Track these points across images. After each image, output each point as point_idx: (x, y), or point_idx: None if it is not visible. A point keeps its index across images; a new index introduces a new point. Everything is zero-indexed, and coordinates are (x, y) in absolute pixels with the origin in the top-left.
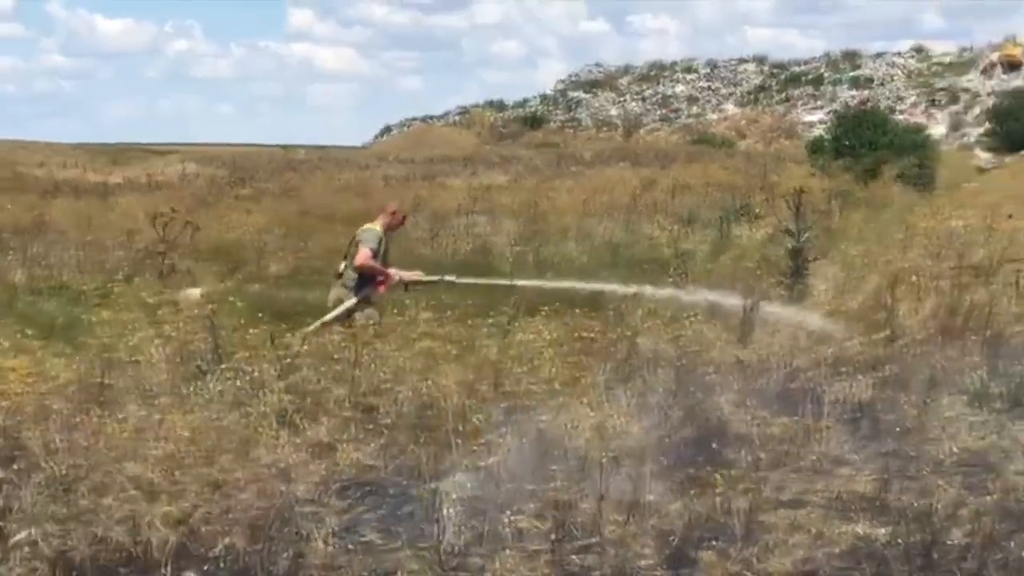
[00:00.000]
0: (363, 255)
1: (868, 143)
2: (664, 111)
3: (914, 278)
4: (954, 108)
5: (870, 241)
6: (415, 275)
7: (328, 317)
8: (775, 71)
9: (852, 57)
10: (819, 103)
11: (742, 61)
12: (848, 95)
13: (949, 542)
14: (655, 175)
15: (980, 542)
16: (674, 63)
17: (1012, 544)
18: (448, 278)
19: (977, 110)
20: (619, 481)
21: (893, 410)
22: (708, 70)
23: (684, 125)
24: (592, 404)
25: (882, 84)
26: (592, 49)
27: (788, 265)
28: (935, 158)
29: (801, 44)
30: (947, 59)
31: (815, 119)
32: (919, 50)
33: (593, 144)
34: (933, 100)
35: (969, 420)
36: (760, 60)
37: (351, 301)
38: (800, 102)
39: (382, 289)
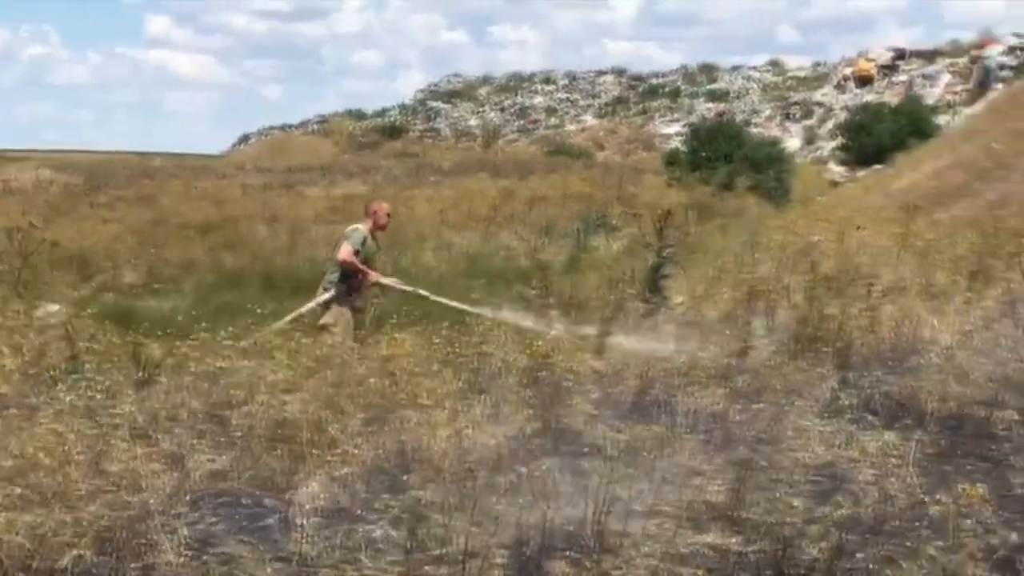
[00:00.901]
0: (345, 251)
1: (724, 155)
2: (523, 122)
3: (768, 290)
4: (808, 122)
5: (725, 254)
6: (392, 281)
7: (303, 309)
8: (633, 83)
9: (709, 70)
10: (676, 115)
11: (601, 73)
12: (705, 108)
13: (800, 553)
14: (514, 186)
15: (830, 554)
16: (533, 74)
17: (861, 556)
18: (422, 292)
19: (831, 124)
20: (473, 491)
21: (745, 421)
22: (567, 82)
23: (543, 136)
24: (448, 414)
25: (738, 97)
26: (452, 59)
27: (648, 278)
28: (790, 171)
29: (659, 57)
30: (802, 73)
31: (672, 131)
32: (775, 64)
33: (452, 154)
34: (788, 114)
35: (820, 431)
36: (619, 72)
37: (325, 296)
38: (658, 114)
39: (365, 285)
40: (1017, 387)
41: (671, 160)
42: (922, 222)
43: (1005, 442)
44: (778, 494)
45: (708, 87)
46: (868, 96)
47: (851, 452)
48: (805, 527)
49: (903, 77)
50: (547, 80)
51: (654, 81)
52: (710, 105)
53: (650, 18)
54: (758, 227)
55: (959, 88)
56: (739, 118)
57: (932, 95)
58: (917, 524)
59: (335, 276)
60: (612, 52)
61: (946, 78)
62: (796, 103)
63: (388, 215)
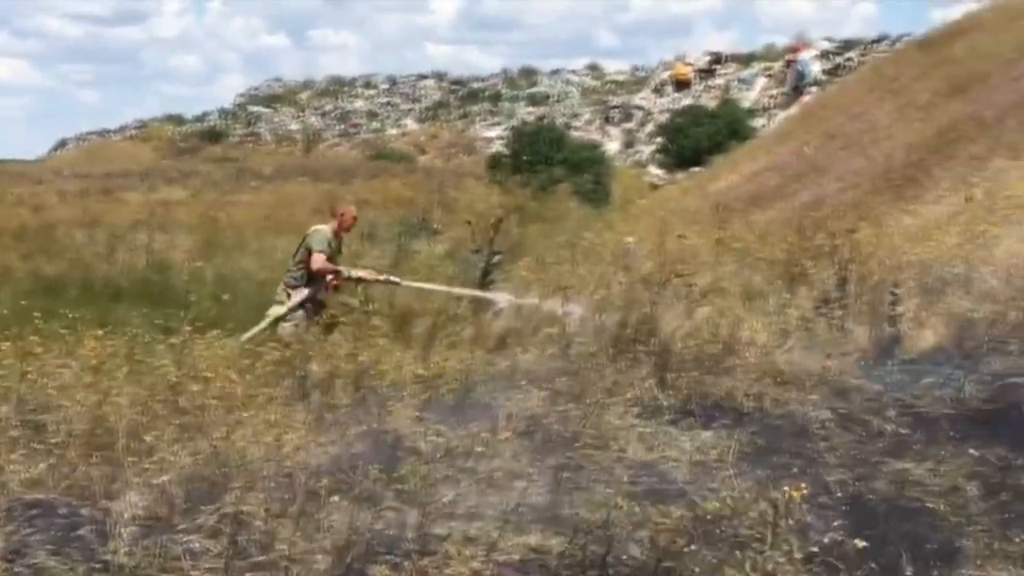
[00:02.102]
0: (318, 260)
1: (545, 159)
2: (344, 126)
3: (588, 293)
4: (628, 125)
5: (546, 257)
6: (365, 273)
7: (282, 310)
8: (454, 87)
9: (529, 74)
10: (497, 119)
11: (422, 77)
12: (526, 112)
13: (621, 554)
14: (335, 190)
15: (652, 554)
16: (354, 78)
17: (682, 555)
18: (393, 279)
19: (650, 127)
20: (294, 496)
21: (566, 422)
22: (388, 86)
23: (364, 140)
24: (269, 420)
25: (558, 101)
26: (272, 63)
27: (474, 282)
28: (609, 174)
29: (480, 61)
30: (621, 77)
31: (494, 135)
32: (594, 68)
33: (273, 159)
34: (608, 117)
35: (639, 431)
36: (439, 76)
37: (295, 299)
38: (479, 118)
39: (333, 286)
40: (831, 386)
41: (493, 164)
42: (739, 224)
43: (820, 440)
44: (599, 495)
45: (528, 91)
46: (686, 100)
47: (671, 452)
48: (626, 528)
49: (720, 81)
50: (368, 84)
51: (475, 85)
52: (531, 109)
53: (470, 21)
54: (578, 230)
55: (774, 91)
56: (559, 122)
57: (748, 98)
58: (735, 524)
59: (298, 276)
60: (433, 56)
61: (762, 82)
62: (616, 107)
63: (354, 218)
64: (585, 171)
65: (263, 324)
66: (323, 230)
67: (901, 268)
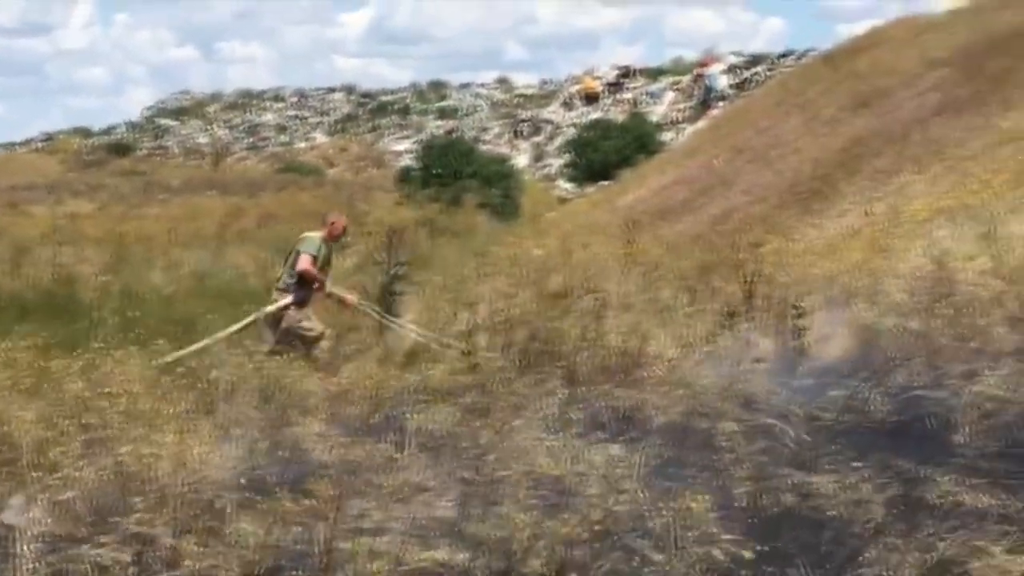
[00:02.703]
0: (304, 261)
1: (454, 173)
2: (253, 139)
3: (498, 307)
4: (537, 139)
5: (455, 271)
6: (350, 298)
7: (230, 329)
8: (364, 101)
9: (439, 87)
10: (407, 133)
11: (331, 90)
12: (435, 125)
13: (525, 569)
14: (243, 203)
15: (555, 569)
16: (263, 91)
17: (586, 569)
18: (364, 306)
19: (559, 141)
20: (200, 511)
21: (474, 437)
22: (297, 99)
23: (273, 153)
24: (175, 435)
25: (468, 115)
26: (180, 76)
27: (379, 296)
28: (519, 188)
29: (389, 74)
30: (530, 91)
31: (403, 148)
32: (503, 82)
33: (181, 172)
34: (517, 131)
35: (548, 445)
36: (349, 89)
37: (282, 302)
38: (388, 131)
39: (319, 294)
40: (737, 398)
41: (402, 177)
42: (647, 237)
43: (727, 452)
44: (506, 509)
45: (438, 104)
46: (595, 113)
47: (578, 466)
48: (531, 542)
49: (628, 95)
50: (276, 97)
51: (384, 98)
52: (440, 122)
53: (380, 35)
54: (488, 243)
55: (683, 105)
56: (469, 135)
57: (657, 112)
58: (641, 536)
59: (291, 280)
60: (343, 69)
61: (670, 96)
62: (525, 120)
63: (345, 228)
64: (494, 185)
65: (246, 321)
66: (313, 236)
67: (807, 281)
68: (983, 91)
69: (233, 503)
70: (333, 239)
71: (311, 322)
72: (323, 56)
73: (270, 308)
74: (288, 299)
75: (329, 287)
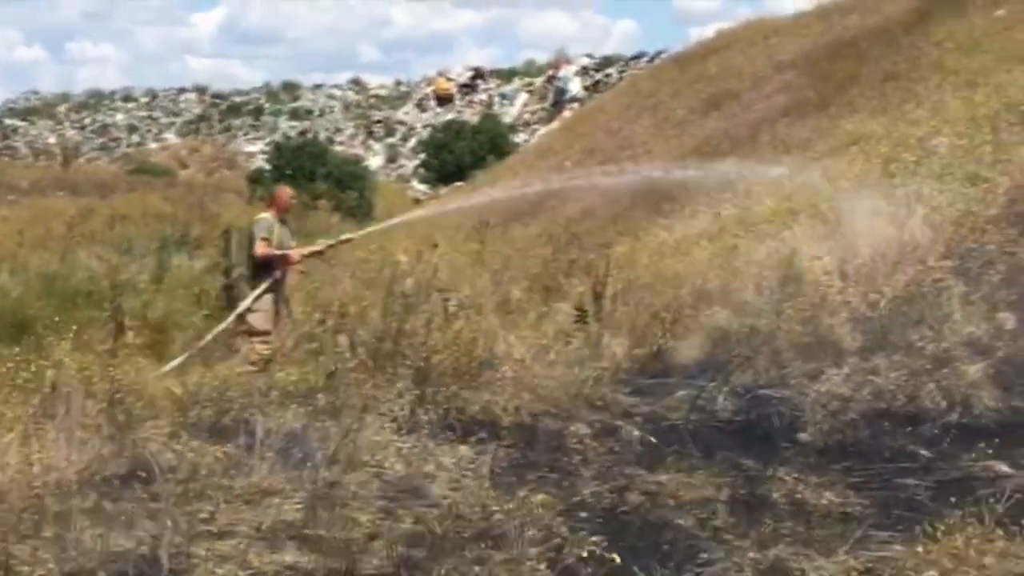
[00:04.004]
0: (259, 247)
1: (308, 173)
2: (104, 140)
3: (351, 309)
4: (391, 140)
5: (308, 271)
6: (317, 247)
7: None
8: (216, 101)
9: (292, 88)
10: (260, 133)
11: (182, 91)
12: (288, 126)
13: (366, 569)
14: (94, 205)
15: (395, 569)
16: (114, 92)
17: (428, 568)
18: (345, 237)
19: (413, 142)
20: (42, 517)
21: (324, 439)
22: (148, 99)
23: (124, 154)
24: (17, 440)
25: (321, 115)
26: (29, 76)
27: (224, 297)
28: (373, 189)
29: (242, 74)
30: (384, 92)
31: (256, 149)
32: (357, 83)
33: (30, 173)
34: (371, 132)
35: (398, 447)
36: (201, 90)
37: (249, 299)
38: (241, 132)
39: (289, 269)
40: (587, 400)
41: (254, 178)
42: (499, 238)
43: (576, 454)
44: (354, 511)
45: (291, 105)
46: (449, 115)
47: (428, 467)
48: (373, 542)
49: (482, 96)
50: (127, 98)
51: (237, 99)
52: (293, 123)
53: (232, 35)
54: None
55: (536, 107)
56: (322, 136)
57: (510, 114)
58: (486, 536)
59: (247, 273)
60: (196, 69)
61: (523, 97)
62: (378, 121)
63: (291, 197)
64: (348, 186)
65: (229, 319)
66: (264, 217)
67: (657, 282)
68: (829, 94)
69: (76, 508)
70: (284, 211)
71: (263, 318)
72: (176, 56)
73: (244, 304)
74: (262, 286)
75: (296, 256)
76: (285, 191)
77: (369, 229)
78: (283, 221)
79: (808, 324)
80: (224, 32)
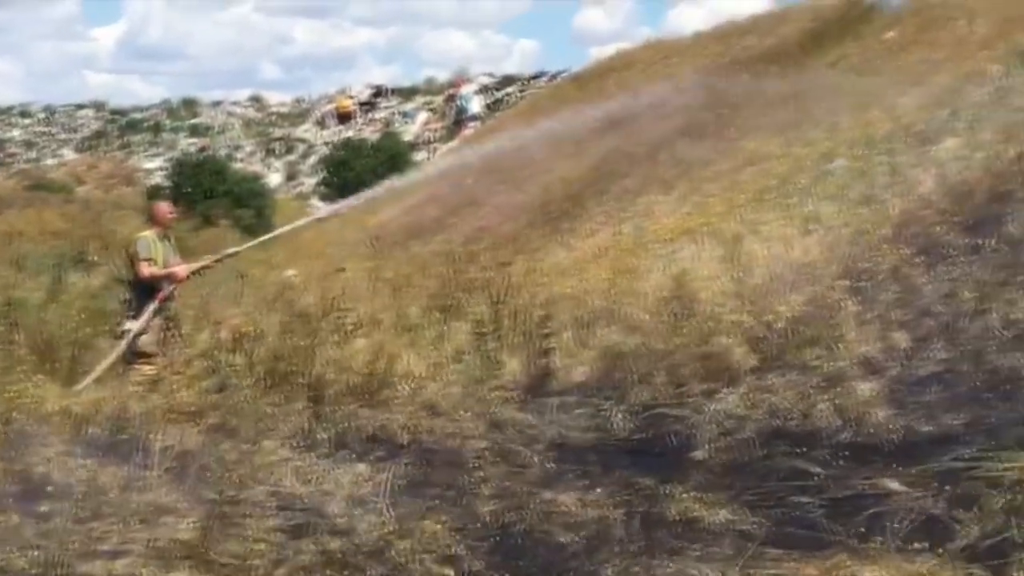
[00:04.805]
0: (143, 268)
1: (207, 191)
2: (0, 156)
3: (245, 326)
4: (291, 158)
5: (207, 291)
6: (203, 262)
7: (112, 357)
8: (115, 117)
9: (191, 105)
10: (159, 150)
11: (80, 107)
12: (187, 143)
13: None
14: None
15: None
16: (10, 107)
17: None
18: (230, 251)
19: (313, 159)
20: None
21: (220, 457)
22: (45, 115)
23: (21, 171)
24: None
25: (221, 132)
26: None
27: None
28: (272, 206)
29: (141, 91)
30: (284, 109)
31: (155, 166)
32: (256, 100)
33: None
34: (270, 149)
35: (294, 465)
36: (99, 106)
37: (139, 324)
38: (140, 149)
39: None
40: (484, 418)
41: (152, 196)
42: (398, 256)
43: (474, 472)
44: (249, 531)
45: (190, 122)
46: (349, 132)
47: (325, 486)
48: (272, 563)
49: (382, 114)
50: (24, 113)
51: (136, 115)
52: (193, 140)
53: (131, 51)
54: (240, 264)
55: (436, 125)
56: (222, 153)
57: (410, 132)
58: (383, 555)
59: (136, 290)
60: (93, 84)
61: (423, 115)
62: (279, 139)
63: (171, 212)
64: (247, 203)
65: (122, 345)
66: (145, 236)
67: (554, 301)
68: (726, 114)
69: None
70: (165, 227)
71: (149, 340)
72: (74, 72)
73: (131, 334)
74: (151, 307)
75: (183, 272)
76: (163, 206)
77: (256, 240)
78: (165, 238)
79: (704, 343)
80: (124, 48)
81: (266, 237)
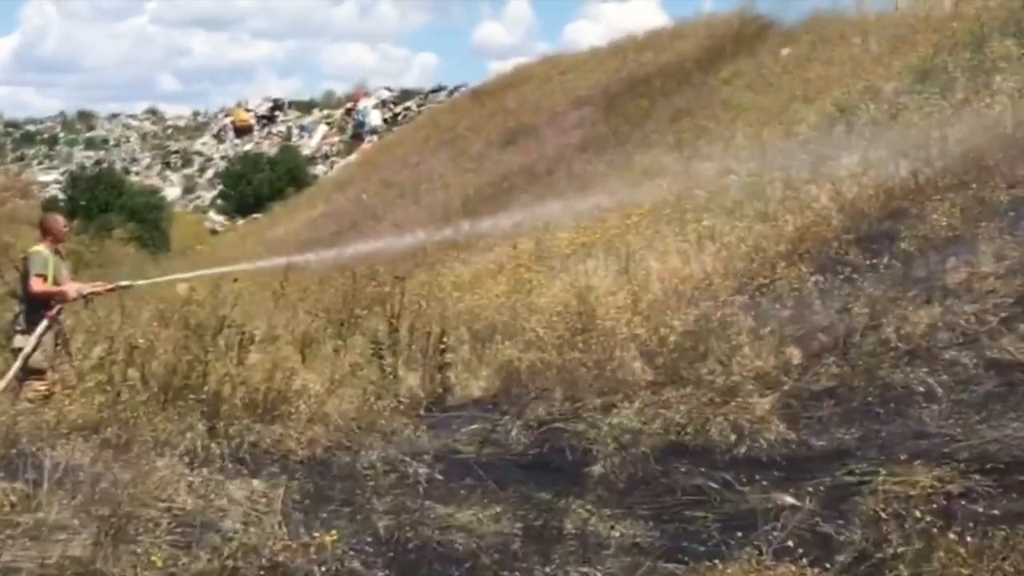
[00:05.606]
0: (35, 283)
1: (103, 204)
2: None
3: (138, 341)
4: (188, 171)
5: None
6: (94, 287)
7: (7, 376)
8: (9, 130)
9: (88, 118)
10: (55, 163)
11: None
12: (84, 156)
13: None
14: None
15: None
16: None
17: None
18: (123, 283)
19: (211, 173)
20: None
21: (114, 473)
22: None
23: None
24: None
25: (117, 145)
26: None
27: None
28: (169, 220)
29: (37, 103)
30: (181, 122)
31: (51, 179)
32: (153, 113)
33: None
34: (168, 162)
35: (188, 481)
36: None
37: (27, 347)
38: (35, 161)
39: (55, 310)
40: (380, 433)
41: (48, 208)
42: (297, 270)
43: (369, 488)
44: (141, 548)
45: (86, 135)
46: (247, 146)
47: (220, 501)
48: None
49: (281, 128)
50: None
51: (31, 128)
52: (89, 153)
53: (27, 63)
54: (134, 276)
55: (335, 139)
56: (119, 166)
57: (309, 145)
58: (278, 570)
59: (28, 306)
60: None
61: (322, 129)
62: (175, 152)
63: (65, 225)
64: (144, 217)
65: (16, 364)
66: (39, 250)
67: (452, 316)
68: (623, 129)
69: None
70: (58, 242)
71: (40, 356)
72: None
73: (24, 352)
74: (44, 323)
75: (73, 292)
76: (58, 219)
77: (148, 281)
78: (58, 252)
79: (600, 358)
80: (19, 59)
81: (160, 279)
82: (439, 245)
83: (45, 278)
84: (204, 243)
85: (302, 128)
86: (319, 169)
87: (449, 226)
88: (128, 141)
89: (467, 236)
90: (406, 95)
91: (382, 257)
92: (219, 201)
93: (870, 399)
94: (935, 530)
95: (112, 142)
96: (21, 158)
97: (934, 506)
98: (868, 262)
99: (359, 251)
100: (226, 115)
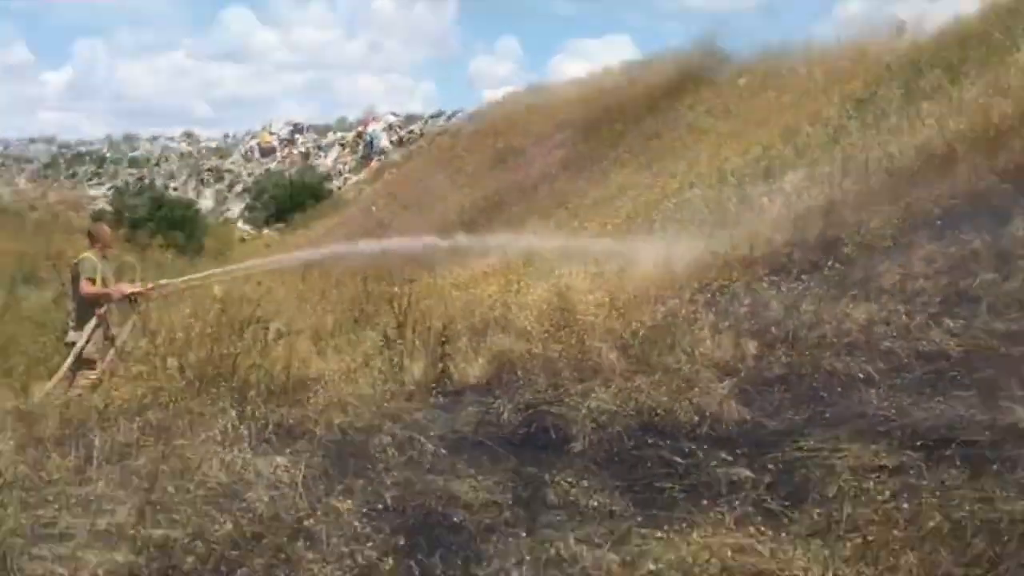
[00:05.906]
0: (84, 286)
1: (145, 216)
2: None
3: (178, 334)
4: (219, 186)
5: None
6: (135, 287)
7: (63, 368)
8: (63, 150)
9: (131, 140)
10: (103, 179)
11: (32, 141)
12: (128, 173)
13: (187, 567)
14: None
15: (214, 565)
16: None
17: (245, 568)
18: (162, 282)
19: (239, 188)
20: None
21: (154, 451)
22: (1, 148)
23: None
24: None
25: (157, 164)
26: None
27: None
28: (203, 229)
29: (87, 127)
30: (213, 143)
31: (99, 194)
32: (189, 135)
33: None
34: (201, 179)
35: (220, 457)
36: (49, 140)
37: (80, 342)
38: (86, 179)
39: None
40: (389, 415)
41: (97, 219)
42: (316, 273)
43: (379, 463)
44: (178, 516)
45: (131, 155)
46: (271, 164)
47: (248, 475)
48: (194, 543)
49: (300, 148)
50: None
51: (82, 149)
52: (132, 171)
53: (79, 92)
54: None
55: (348, 158)
56: (159, 183)
57: (325, 164)
58: (298, 536)
59: (80, 308)
60: (44, 121)
61: (337, 150)
62: (209, 170)
63: (109, 231)
64: (181, 227)
65: (70, 359)
66: (88, 256)
67: (452, 312)
68: (601, 150)
69: None
70: (105, 247)
71: (92, 349)
72: (28, 110)
73: (78, 347)
74: (82, 341)
75: (118, 293)
76: (104, 228)
77: (187, 277)
78: (104, 257)
79: (580, 349)
80: (72, 89)
81: (194, 276)
82: (441, 251)
83: (93, 281)
84: (234, 250)
85: (319, 148)
86: (334, 185)
87: (448, 237)
88: (167, 160)
89: (466, 251)
90: (410, 119)
91: (389, 261)
92: (247, 213)
93: (816, 384)
94: (876, 498)
95: (153, 161)
96: (73, 175)
97: (874, 476)
98: (814, 265)
99: (376, 249)
100: (252, 137)
